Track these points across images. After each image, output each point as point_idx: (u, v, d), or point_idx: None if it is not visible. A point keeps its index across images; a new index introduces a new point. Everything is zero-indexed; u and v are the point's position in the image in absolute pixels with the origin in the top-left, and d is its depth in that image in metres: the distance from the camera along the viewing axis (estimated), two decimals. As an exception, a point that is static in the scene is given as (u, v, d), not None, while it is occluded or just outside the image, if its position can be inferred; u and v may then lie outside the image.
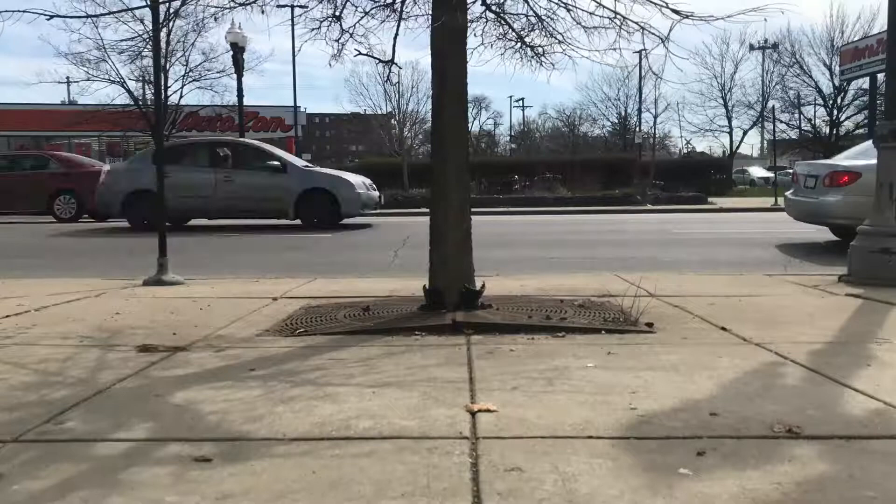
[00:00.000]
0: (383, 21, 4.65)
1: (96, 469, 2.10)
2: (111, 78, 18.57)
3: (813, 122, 45.79)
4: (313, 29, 4.56)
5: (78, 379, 3.09)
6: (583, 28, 4.47)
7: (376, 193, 15.50)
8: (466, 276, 4.45)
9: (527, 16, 4.69)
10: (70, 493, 1.93)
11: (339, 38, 4.58)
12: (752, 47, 45.61)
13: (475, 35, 4.70)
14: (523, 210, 21.47)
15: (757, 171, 47.94)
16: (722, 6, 4.42)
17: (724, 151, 49.75)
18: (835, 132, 44.09)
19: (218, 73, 21.57)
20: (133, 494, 1.91)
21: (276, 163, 14.28)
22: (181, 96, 19.78)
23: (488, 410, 2.54)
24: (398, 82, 26.09)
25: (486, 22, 4.72)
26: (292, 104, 38.33)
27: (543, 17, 4.63)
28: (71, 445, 2.29)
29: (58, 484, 1.99)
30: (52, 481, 2.01)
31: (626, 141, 49.76)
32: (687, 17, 4.19)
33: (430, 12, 4.37)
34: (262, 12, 4.69)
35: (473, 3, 4.52)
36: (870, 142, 8.19)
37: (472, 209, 4.65)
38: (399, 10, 4.51)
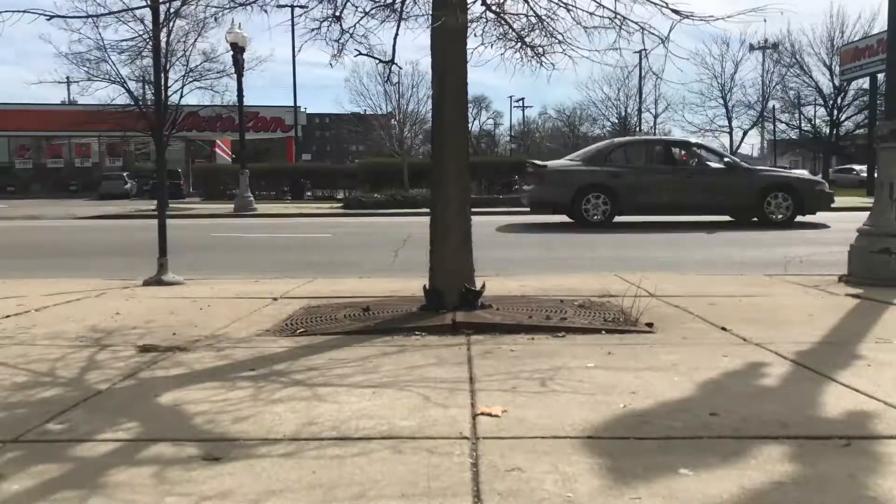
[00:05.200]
0: (383, 21, 4.66)
1: (97, 469, 2.10)
2: (111, 78, 18.54)
3: (813, 122, 45.80)
4: (313, 29, 4.56)
5: (78, 379, 3.09)
6: (583, 28, 4.47)
7: None
8: (466, 276, 4.45)
9: (527, 16, 4.69)
10: (71, 492, 1.93)
11: (340, 39, 4.58)
12: (752, 47, 45.61)
13: (475, 35, 4.71)
14: (523, 210, 21.43)
15: (757, 172, 47.89)
16: (722, 6, 4.42)
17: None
18: (835, 132, 44.11)
19: (218, 73, 21.53)
20: (133, 494, 1.91)
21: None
22: (181, 96, 19.74)
23: (489, 415, 2.53)
24: (398, 82, 26.06)
25: (486, 22, 4.72)
26: (292, 104, 38.37)
27: (543, 17, 4.63)
28: (71, 446, 2.29)
29: (58, 484, 1.99)
30: (52, 482, 2.01)
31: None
32: (687, 17, 4.19)
33: (430, 12, 4.37)
34: (265, 12, 4.69)
35: (473, 3, 4.52)
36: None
37: (473, 209, 4.65)
38: (399, 10, 4.51)
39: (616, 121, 54.69)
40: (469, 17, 4.49)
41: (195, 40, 18.98)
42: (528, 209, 15.56)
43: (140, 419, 2.54)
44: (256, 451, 2.21)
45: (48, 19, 4.34)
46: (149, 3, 5.88)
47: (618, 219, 13.39)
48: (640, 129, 45.21)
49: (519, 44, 4.79)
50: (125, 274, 6.75)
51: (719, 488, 1.91)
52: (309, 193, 34.16)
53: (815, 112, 45.47)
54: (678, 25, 4.23)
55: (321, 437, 2.32)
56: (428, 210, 4.64)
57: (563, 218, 13.91)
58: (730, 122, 48.19)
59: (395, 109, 29.98)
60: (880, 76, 28.74)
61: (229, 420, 2.50)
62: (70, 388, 2.94)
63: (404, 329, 3.97)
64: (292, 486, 1.95)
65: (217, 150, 45.47)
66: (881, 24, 33.26)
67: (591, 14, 4.37)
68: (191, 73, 19.99)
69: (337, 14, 4.54)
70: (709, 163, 14.41)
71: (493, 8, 4.64)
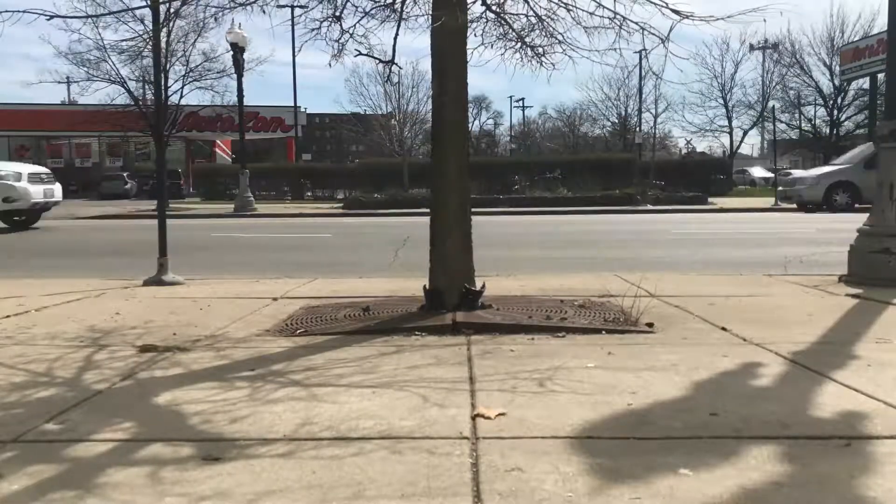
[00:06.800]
0: (383, 21, 4.65)
1: (96, 469, 2.09)
2: (111, 78, 18.54)
3: (813, 122, 45.78)
4: (313, 29, 4.56)
5: (77, 379, 3.08)
6: (583, 28, 4.47)
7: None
8: (466, 276, 4.44)
9: (527, 16, 4.69)
10: (70, 492, 1.92)
11: (340, 39, 4.58)
12: (752, 47, 45.56)
13: (475, 35, 4.70)
14: (523, 210, 21.46)
15: (757, 172, 47.92)
16: (722, 6, 4.42)
17: (724, 151, 49.75)
18: (835, 132, 44.09)
19: (218, 73, 21.54)
20: (132, 494, 1.91)
21: None
22: (181, 96, 19.73)
23: (489, 416, 2.52)
24: (398, 82, 26.07)
25: (486, 22, 4.72)
26: (292, 104, 38.33)
27: (543, 18, 4.63)
28: (70, 446, 2.28)
29: (57, 484, 1.99)
30: (51, 482, 2.01)
31: (626, 141, 49.71)
32: (687, 17, 4.19)
33: (430, 12, 4.37)
34: (264, 12, 4.68)
35: (473, 3, 4.52)
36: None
37: (473, 209, 4.65)
38: (399, 10, 4.51)
39: (616, 121, 54.67)
40: (469, 17, 4.49)
41: (195, 40, 18.98)
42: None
43: (139, 419, 2.54)
44: (255, 451, 2.20)
45: (48, 19, 4.34)
46: (149, 3, 5.88)
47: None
48: (640, 129, 45.16)
49: (519, 44, 4.79)
50: (125, 274, 6.74)
51: (719, 488, 1.91)
52: (309, 193, 34.16)
53: (815, 112, 45.46)
54: (678, 26, 4.23)
55: (320, 437, 2.32)
56: (428, 210, 4.64)
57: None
58: (730, 122, 48.17)
59: (395, 109, 30.01)
60: (880, 76, 28.73)
61: (228, 420, 2.50)
62: (69, 389, 2.93)
63: (404, 329, 3.97)
64: (292, 485, 1.95)
65: (217, 150, 45.47)
66: (881, 24, 33.24)
67: (591, 14, 4.37)
68: (191, 73, 19.99)
69: (337, 14, 4.54)
70: None
71: (493, 8, 4.64)
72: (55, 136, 42.60)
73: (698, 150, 53.69)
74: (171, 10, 6.03)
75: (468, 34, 4.49)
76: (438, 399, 2.71)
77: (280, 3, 4.87)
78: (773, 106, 36.30)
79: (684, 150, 54.22)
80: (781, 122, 43.17)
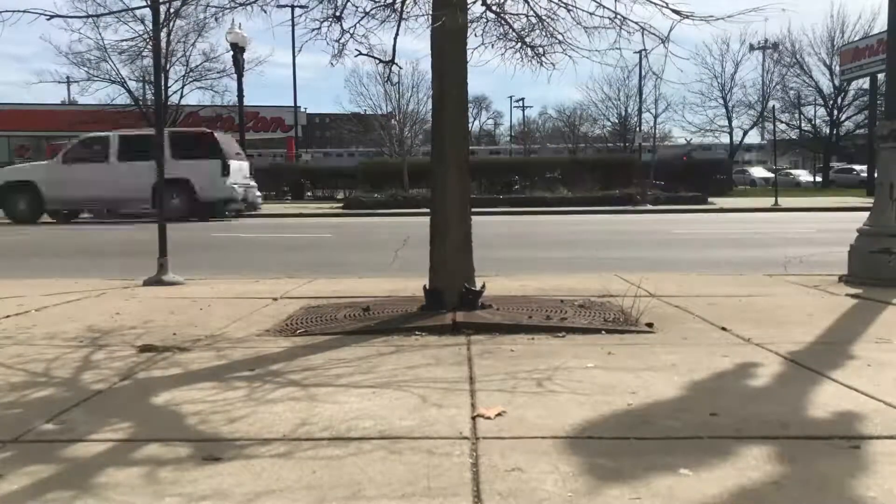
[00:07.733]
0: (383, 21, 4.65)
1: (95, 469, 2.09)
2: (111, 78, 18.59)
3: (813, 122, 45.81)
4: (314, 29, 4.56)
5: (76, 379, 3.08)
6: (583, 28, 4.46)
7: None
8: (466, 276, 4.44)
9: (527, 16, 4.69)
10: (69, 492, 1.92)
11: (340, 39, 4.58)
12: (752, 47, 45.61)
13: (475, 35, 4.70)
14: (524, 210, 21.45)
15: (757, 172, 47.93)
16: (722, 6, 4.42)
17: (724, 152, 49.74)
18: (835, 132, 44.12)
19: (218, 73, 21.61)
20: (132, 494, 1.91)
21: None
22: (181, 96, 19.79)
23: (489, 415, 2.51)
24: (398, 82, 26.08)
25: (487, 22, 4.72)
26: (292, 104, 38.34)
27: (543, 18, 4.62)
28: (69, 446, 2.28)
29: (56, 484, 1.98)
30: (51, 482, 2.00)
31: (627, 141, 49.72)
32: (687, 17, 4.19)
33: (430, 12, 4.36)
34: (265, 12, 4.68)
35: (473, 3, 4.52)
36: None
37: (473, 209, 4.65)
38: (399, 10, 4.51)
39: (616, 121, 54.64)
40: (469, 17, 4.49)
41: (195, 40, 19.04)
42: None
43: (138, 419, 2.54)
44: (255, 451, 2.20)
45: (48, 19, 4.33)
46: (149, 3, 5.88)
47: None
48: (640, 130, 45.17)
49: (519, 44, 4.79)
50: (125, 274, 6.74)
51: (719, 488, 1.90)
52: (309, 193, 34.15)
53: (815, 112, 45.51)
54: (678, 26, 4.23)
55: (320, 437, 2.32)
56: (428, 210, 4.64)
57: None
58: (730, 122, 48.19)
59: (395, 109, 30.03)
60: (880, 76, 28.72)
61: (227, 420, 2.50)
62: (68, 389, 2.93)
63: (404, 329, 3.97)
64: (292, 485, 1.95)
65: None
66: (881, 24, 33.24)
67: (591, 14, 4.37)
68: (191, 73, 20.05)
69: (337, 14, 4.53)
70: None
71: (493, 8, 4.64)
72: (55, 136, 42.59)
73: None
74: (172, 10, 6.04)
75: (468, 34, 4.49)
76: (438, 399, 2.71)
77: (280, 3, 4.88)
78: (773, 106, 36.28)
79: (687, 150, 54.17)
80: (781, 122, 43.20)
